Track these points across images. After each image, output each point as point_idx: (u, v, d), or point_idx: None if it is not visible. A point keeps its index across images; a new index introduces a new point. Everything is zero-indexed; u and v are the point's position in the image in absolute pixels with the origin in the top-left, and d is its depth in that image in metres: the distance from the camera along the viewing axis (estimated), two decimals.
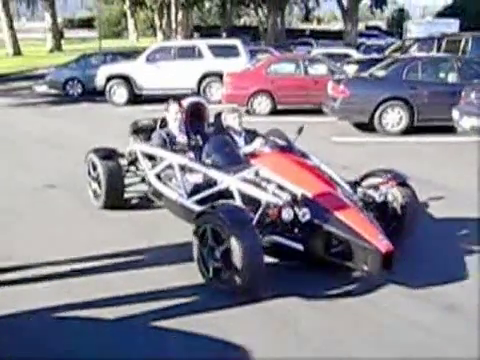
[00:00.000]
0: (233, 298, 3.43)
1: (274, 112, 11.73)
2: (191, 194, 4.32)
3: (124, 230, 4.79)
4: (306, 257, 3.72)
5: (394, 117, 9.36)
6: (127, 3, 44.77)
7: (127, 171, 5.42)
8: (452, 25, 25.27)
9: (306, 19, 53.86)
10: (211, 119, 5.38)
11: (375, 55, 16.88)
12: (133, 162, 5.35)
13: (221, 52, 13.93)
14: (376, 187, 4.16)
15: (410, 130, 9.35)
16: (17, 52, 31.80)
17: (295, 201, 3.69)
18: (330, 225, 3.55)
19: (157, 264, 4.03)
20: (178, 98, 5.42)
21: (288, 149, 4.65)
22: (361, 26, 45.74)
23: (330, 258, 3.64)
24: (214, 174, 4.27)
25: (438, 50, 13.85)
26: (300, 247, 3.64)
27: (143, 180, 5.29)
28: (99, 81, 14.03)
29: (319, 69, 12.25)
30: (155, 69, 13.83)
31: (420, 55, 11.52)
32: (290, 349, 2.98)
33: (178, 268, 3.95)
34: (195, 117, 5.36)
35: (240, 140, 4.88)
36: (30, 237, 4.65)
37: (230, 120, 4.93)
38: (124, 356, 2.91)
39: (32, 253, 4.23)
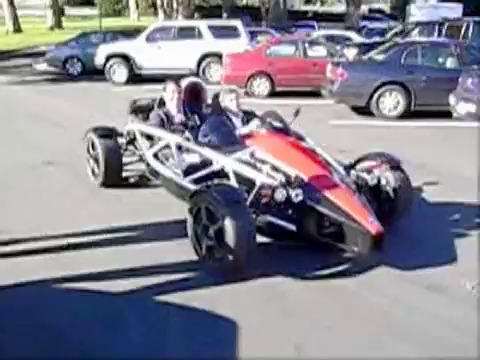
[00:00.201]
0: (225, 276, 3.53)
1: (273, 94, 11.76)
2: (187, 173, 4.39)
3: (121, 207, 4.89)
4: (299, 237, 3.79)
5: (391, 101, 9.41)
6: None
7: (125, 150, 5.46)
8: (455, 10, 24.99)
9: (307, 1, 53.29)
10: (209, 100, 5.42)
11: (377, 38, 16.83)
12: (131, 141, 5.40)
13: (221, 33, 13.91)
14: (369, 170, 4.23)
15: (407, 115, 9.40)
16: (17, 29, 31.57)
17: (288, 182, 3.75)
18: (322, 206, 3.62)
19: (153, 240, 4.13)
20: (176, 78, 5.47)
21: (284, 131, 4.70)
22: (365, 9, 45.34)
23: (322, 239, 3.72)
24: (210, 154, 4.31)
25: (439, 35, 13.80)
26: (293, 227, 3.72)
27: (141, 159, 5.34)
28: (99, 60, 14.03)
29: (318, 51, 12.26)
30: (155, 49, 13.83)
31: (419, 40, 11.50)
32: (276, 323, 3.10)
33: (175, 244, 4.05)
34: (193, 98, 5.41)
35: (237, 121, 4.92)
36: (27, 212, 4.75)
37: (227, 101, 4.95)
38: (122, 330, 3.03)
39: (27, 227, 4.33)
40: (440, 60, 9.77)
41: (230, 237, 3.35)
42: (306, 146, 4.51)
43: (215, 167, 4.23)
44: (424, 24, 15.58)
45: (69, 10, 48.48)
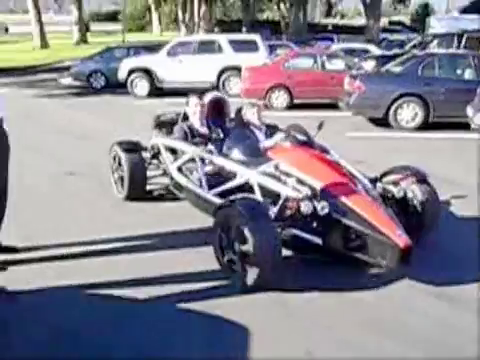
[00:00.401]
0: (248, 289, 3.53)
1: (291, 106, 11.91)
2: (211, 187, 4.43)
3: (145, 217, 5.03)
4: (324, 251, 3.76)
5: (409, 113, 9.47)
6: None
7: (150, 164, 5.54)
8: (476, 21, 24.91)
9: (328, 14, 53.59)
10: (232, 114, 5.49)
11: (397, 50, 16.88)
12: (155, 155, 5.48)
13: (241, 47, 14.16)
14: (396, 183, 4.22)
15: (425, 126, 9.44)
16: (44, 45, 32.42)
17: (314, 195, 3.75)
18: (349, 219, 3.58)
19: (176, 247, 4.28)
20: (199, 92, 5.58)
21: (308, 144, 4.67)
22: (385, 21, 45.39)
23: (348, 252, 3.66)
24: (234, 167, 4.35)
25: (458, 46, 13.82)
26: (318, 241, 3.69)
27: (165, 173, 5.40)
28: (122, 74, 14.38)
29: (337, 64, 12.39)
30: (176, 63, 14.12)
31: (436, 51, 11.54)
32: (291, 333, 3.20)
33: (195, 252, 4.18)
34: (216, 112, 5.52)
35: (260, 134, 4.95)
36: (51, 219, 4.95)
37: (250, 115, 5.01)
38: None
39: (50, 234, 4.54)
40: (458, 71, 9.82)
41: (254, 250, 3.36)
42: (331, 159, 4.49)
43: (240, 180, 4.26)
44: (443, 36, 15.61)
45: (94, 26, 49.56)
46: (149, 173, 5.51)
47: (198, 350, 2.97)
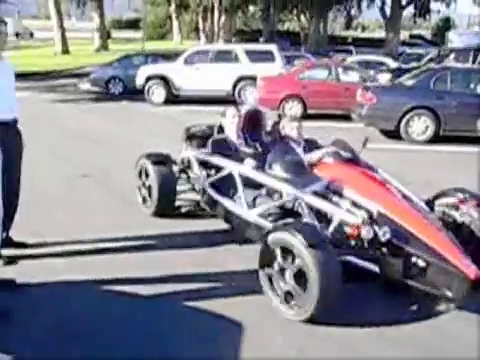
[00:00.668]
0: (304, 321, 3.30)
1: (305, 116, 12.01)
2: (252, 206, 4.16)
3: (150, 218, 5.16)
4: (381, 279, 3.53)
5: (420, 126, 9.52)
6: (173, 6, 45.85)
7: (178, 178, 5.22)
8: None
9: (348, 27, 53.72)
10: (268, 128, 5.30)
11: (414, 64, 16.93)
12: (184, 169, 5.19)
13: (257, 57, 14.31)
14: (455, 206, 3.93)
15: (436, 139, 9.48)
16: (65, 50, 33.04)
17: (371, 218, 3.51)
18: (411, 246, 3.35)
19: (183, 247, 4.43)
20: (235, 104, 5.39)
21: (354, 161, 4.33)
22: (405, 35, 45.40)
23: (408, 282, 3.39)
24: (280, 186, 4.05)
25: (473, 61, 13.83)
26: (375, 268, 3.46)
27: (193, 188, 5.13)
28: (139, 80, 14.62)
29: (351, 76, 12.50)
30: (193, 71, 14.34)
31: (449, 65, 11.60)
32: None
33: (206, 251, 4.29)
34: (252, 125, 5.23)
35: (299, 150, 4.61)
36: (63, 218, 5.13)
37: (289, 129, 4.68)
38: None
39: (59, 231, 4.72)
40: (471, 86, 9.85)
41: (314, 281, 3.10)
42: (382, 177, 4.19)
43: (287, 200, 4.01)
44: (460, 50, 15.63)
45: (115, 33, 50.36)
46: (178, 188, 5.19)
47: (192, 346, 3.09)
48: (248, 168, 4.32)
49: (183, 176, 5.24)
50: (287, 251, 3.30)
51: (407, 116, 9.50)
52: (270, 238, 3.40)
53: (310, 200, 3.80)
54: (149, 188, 5.09)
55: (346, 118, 11.23)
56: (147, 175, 5.11)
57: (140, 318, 3.37)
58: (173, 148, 5.61)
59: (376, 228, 3.43)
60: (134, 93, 15.11)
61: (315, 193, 3.86)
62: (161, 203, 5.01)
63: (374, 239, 3.41)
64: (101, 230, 4.76)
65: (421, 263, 3.32)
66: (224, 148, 4.70)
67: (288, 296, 3.34)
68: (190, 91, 14.53)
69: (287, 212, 3.96)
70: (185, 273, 3.97)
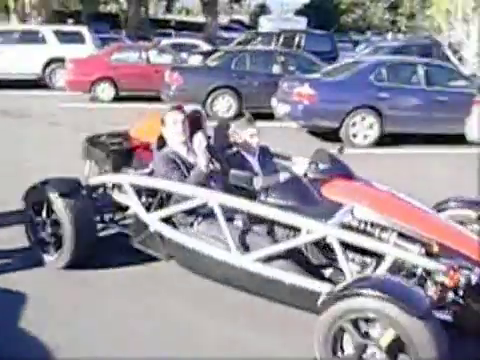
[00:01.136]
0: None
1: (117, 98, 12.00)
2: (247, 248, 3.12)
3: None
4: (453, 330, 2.71)
5: (224, 104, 10.17)
6: None
7: (98, 214, 3.97)
8: (301, 22, 27.19)
9: (169, 10, 54.15)
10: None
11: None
12: (104, 201, 3.96)
13: (67, 38, 13.87)
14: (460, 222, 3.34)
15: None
16: None
17: (428, 253, 2.79)
18: None
19: None
20: (178, 105, 3.91)
21: (349, 175, 3.56)
22: (227, 19, 47.17)
23: None
24: (293, 219, 2.97)
25: (276, 44, 15.06)
26: (448, 318, 2.77)
27: (114, 222, 4.03)
28: None
29: (164, 58, 12.76)
30: None
31: (246, 48, 12.61)
32: None
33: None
34: (194, 130, 3.76)
35: (254, 161, 3.72)
36: None
37: (246, 136, 3.70)
38: None
39: None
40: (268, 66, 10.78)
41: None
42: (399, 195, 3.39)
43: (310, 238, 2.96)
44: (265, 34, 16.89)
45: None
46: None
47: None
48: (236, 199, 3.12)
49: (104, 210, 3.99)
50: (356, 325, 2.43)
51: (212, 95, 10.07)
52: (339, 307, 2.44)
53: (345, 236, 2.84)
54: (54, 231, 3.66)
55: (158, 99, 11.46)
56: (48, 213, 3.69)
57: None
58: None
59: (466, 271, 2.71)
60: None
61: (344, 225, 2.98)
62: (79, 250, 3.62)
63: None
64: None
65: None
66: (180, 168, 3.48)
67: None
68: None
69: (289, 253, 3.03)
70: None
